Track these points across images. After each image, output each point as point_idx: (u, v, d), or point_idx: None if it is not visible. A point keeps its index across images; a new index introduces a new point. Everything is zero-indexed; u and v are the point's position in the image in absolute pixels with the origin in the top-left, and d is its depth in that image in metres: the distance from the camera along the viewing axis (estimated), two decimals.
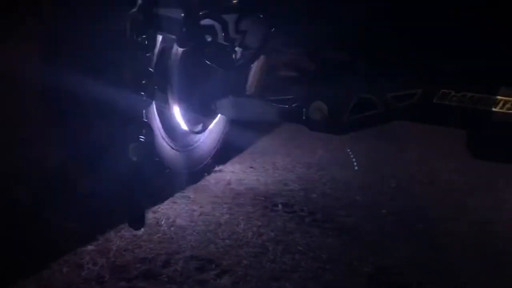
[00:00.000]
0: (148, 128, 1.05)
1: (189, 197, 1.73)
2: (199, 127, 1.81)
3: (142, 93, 0.99)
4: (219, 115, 1.81)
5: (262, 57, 1.58)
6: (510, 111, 1.19)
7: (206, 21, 1.08)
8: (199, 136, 1.83)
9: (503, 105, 1.19)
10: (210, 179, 1.91)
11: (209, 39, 1.11)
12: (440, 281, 1.32)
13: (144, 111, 1.03)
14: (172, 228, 1.50)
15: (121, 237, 1.41)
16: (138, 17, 0.91)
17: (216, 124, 1.92)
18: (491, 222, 1.72)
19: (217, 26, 1.08)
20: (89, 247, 1.34)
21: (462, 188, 2.04)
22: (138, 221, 1.10)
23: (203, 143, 1.87)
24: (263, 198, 1.78)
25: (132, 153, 0.99)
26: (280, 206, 1.72)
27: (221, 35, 1.09)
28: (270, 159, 2.21)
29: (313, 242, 1.48)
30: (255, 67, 1.60)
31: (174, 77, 1.62)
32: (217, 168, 2.00)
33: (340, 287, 1.27)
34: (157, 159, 1.61)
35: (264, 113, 1.49)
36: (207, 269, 1.30)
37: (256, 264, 1.34)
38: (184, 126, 1.74)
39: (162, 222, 1.53)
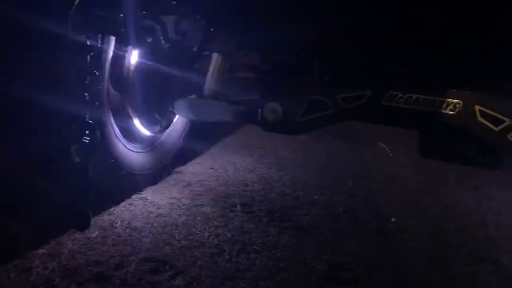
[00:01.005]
0: (92, 129, 1.03)
1: (147, 199, 1.71)
2: (157, 128, 1.79)
3: (85, 93, 0.98)
4: (177, 115, 1.80)
5: (219, 58, 1.59)
6: (452, 113, 1.24)
7: (147, 22, 1.08)
8: (157, 137, 1.82)
9: (447, 106, 1.24)
10: (169, 180, 1.90)
11: (150, 39, 1.11)
12: (389, 276, 1.36)
13: (88, 112, 1.01)
14: (127, 230, 1.48)
15: (74, 240, 1.38)
16: (75, 17, 0.90)
17: (176, 124, 1.91)
18: (441, 219, 1.79)
19: (157, 26, 1.08)
20: (40, 251, 1.31)
21: (416, 186, 2.11)
22: (82, 223, 1.08)
23: (161, 144, 1.86)
24: (223, 199, 1.78)
25: (74, 154, 0.97)
26: (239, 206, 1.73)
27: (164, 35, 1.09)
28: (232, 160, 2.22)
29: (269, 241, 1.50)
30: (212, 67, 1.60)
31: (129, 78, 1.60)
32: (177, 169, 1.99)
33: (293, 285, 1.29)
34: (113, 160, 1.59)
35: (220, 113, 1.49)
36: (161, 271, 1.29)
37: (211, 264, 1.34)
38: (141, 127, 1.72)
39: (117, 224, 1.50)
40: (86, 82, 0.98)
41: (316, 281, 1.31)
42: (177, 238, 1.46)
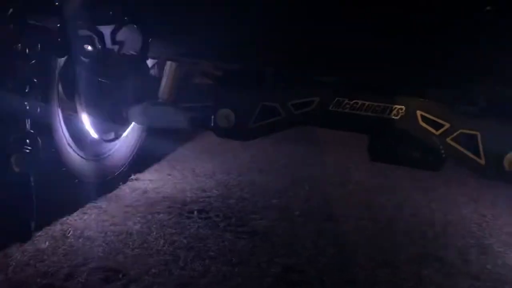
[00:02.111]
0: (33, 138, 1.01)
1: (101, 207, 1.69)
2: (111, 135, 1.78)
3: (25, 102, 0.96)
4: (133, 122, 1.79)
5: (173, 65, 1.60)
6: (396, 117, 1.30)
7: (84, 32, 1.08)
8: (112, 144, 1.80)
9: (390, 112, 1.30)
10: (125, 188, 1.88)
11: (87, 49, 1.11)
12: (340, 276, 1.40)
13: (28, 121, 0.99)
14: (79, 240, 1.46)
15: (23, 251, 1.34)
16: (8, 27, 0.89)
17: (131, 131, 1.90)
18: (392, 220, 1.86)
19: (94, 36, 1.09)
20: None
21: (370, 188, 2.18)
22: (23, 234, 1.06)
23: (117, 151, 1.84)
24: (179, 206, 1.78)
25: (15, 164, 0.95)
26: (195, 212, 1.73)
27: (100, 44, 1.09)
28: (190, 166, 2.22)
29: (225, 247, 1.51)
30: (166, 74, 1.61)
31: (81, 85, 1.58)
32: (133, 177, 1.97)
33: None
34: (65, 169, 1.56)
35: (174, 120, 1.50)
36: (113, 280, 1.28)
37: (165, 272, 1.34)
38: (94, 134, 1.70)
39: (69, 234, 1.48)
40: (26, 90, 0.96)
41: (269, 284, 1.33)
42: (131, 246, 1.45)
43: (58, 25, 0.96)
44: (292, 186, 2.12)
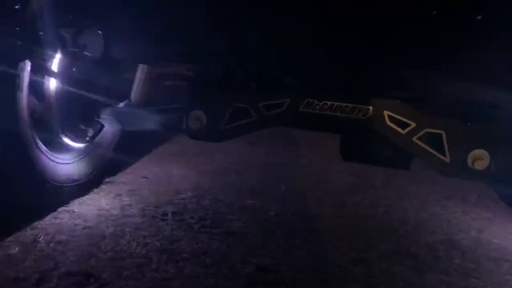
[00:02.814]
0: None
1: (73, 211, 1.67)
2: (84, 139, 1.76)
3: None
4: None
5: (145, 68, 1.59)
6: (364, 117, 1.33)
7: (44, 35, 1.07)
8: (84, 147, 1.78)
9: (358, 112, 1.32)
10: (99, 191, 1.86)
11: (49, 52, 1.10)
12: (313, 275, 1.41)
13: None
14: (50, 244, 1.44)
15: None
16: None
17: (105, 134, 1.88)
18: (365, 218, 1.89)
19: (55, 40, 1.08)
20: None
21: (345, 188, 2.22)
22: None
23: (90, 154, 1.82)
24: (154, 208, 1.77)
25: None
26: (170, 215, 1.73)
27: (62, 48, 1.09)
28: (165, 168, 2.22)
29: (199, 248, 1.51)
30: (138, 76, 1.60)
31: (52, 88, 1.56)
32: (107, 180, 1.95)
33: None
34: (36, 173, 1.54)
35: (146, 122, 1.50)
36: (85, 284, 1.26)
37: (137, 274, 1.33)
38: (66, 138, 1.68)
39: (40, 239, 1.45)
40: None
41: (243, 285, 1.33)
42: (103, 250, 1.44)
43: (19, 28, 0.95)
44: (268, 186, 2.14)
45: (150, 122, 1.49)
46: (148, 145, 2.47)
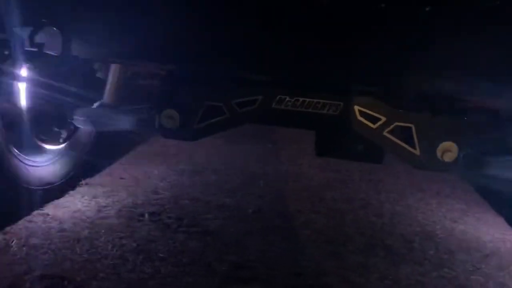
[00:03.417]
0: None
1: (48, 215, 1.65)
2: (58, 140, 1.74)
3: None
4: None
5: (118, 67, 1.58)
6: (335, 113, 1.34)
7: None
8: (58, 149, 1.76)
9: (329, 108, 1.34)
10: (75, 194, 1.84)
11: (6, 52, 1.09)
12: (288, 270, 1.43)
13: None
14: (24, 248, 1.42)
15: None
16: None
17: (80, 135, 1.86)
18: (342, 212, 1.92)
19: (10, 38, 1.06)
20: None
21: (323, 183, 2.24)
22: None
23: (64, 156, 1.80)
24: (130, 209, 1.76)
25: None
26: (147, 215, 1.72)
27: (19, 47, 1.07)
28: (143, 168, 2.20)
29: (175, 248, 1.51)
30: (111, 76, 1.59)
31: (22, 90, 1.54)
32: (83, 182, 1.93)
33: (196, 287, 1.31)
34: (8, 177, 1.52)
35: (118, 122, 1.48)
36: (59, 287, 1.25)
37: (113, 276, 1.33)
38: (39, 140, 1.65)
39: (13, 243, 1.43)
40: None
41: (219, 282, 1.34)
42: (78, 252, 1.43)
43: None
44: (246, 184, 2.14)
45: (123, 122, 1.48)
46: (127, 146, 2.45)
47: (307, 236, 1.68)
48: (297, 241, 1.63)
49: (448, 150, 1.28)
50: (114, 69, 1.57)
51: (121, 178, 2.06)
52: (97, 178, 2.02)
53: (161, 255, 1.46)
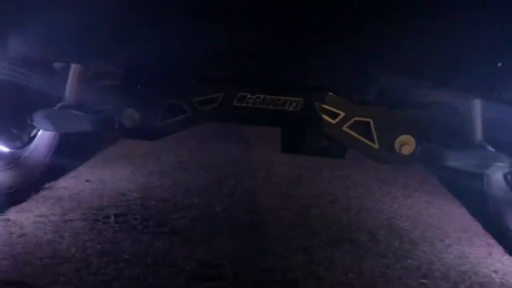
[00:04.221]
0: None
1: (9, 219, 1.61)
2: (18, 144, 1.70)
3: None
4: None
5: (78, 67, 1.55)
6: (296, 109, 1.35)
7: None
8: (19, 153, 1.72)
9: (290, 104, 1.35)
10: (38, 198, 1.80)
11: None
12: (256, 266, 1.43)
13: None
14: None
15: None
16: None
17: (42, 138, 1.82)
18: (311, 207, 1.93)
19: None
20: None
21: (292, 180, 2.25)
22: None
23: (25, 160, 1.76)
24: (95, 212, 1.74)
25: None
26: (112, 217, 1.70)
27: None
28: (110, 170, 2.17)
29: (141, 249, 1.50)
30: (71, 77, 1.56)
31: None
32: (47, 185, 1.89)
33: (160, 287, 1.30)
34: None
35: (78, 124, 1.46)
36: None
37: (75, 279, 1.31)
38: None
39: None
40: None
41: (184, 281, 1.34)
42: (40, 257, 1.40)
43: None
44: (216, 183, 2.14)
45: (84, 123, 1.46)
46: (94, 147, 2.41)
47: (275, 232, 1.69)
48: (266, 238, 1.63)
49: (406, 143, 1.31)
50: (74, 69, 1.55)
51: (87, 181, 2.03)
52: (62, 181, 1.98)
53: (125, 256, 1.44)
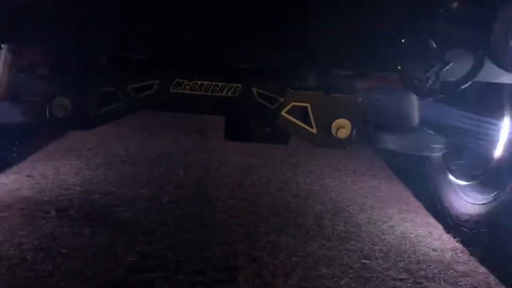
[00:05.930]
0: None
1: None
2: None
3: None
4: None
5: (8, 56, 1.48)
6: (234, 95, 1.34)
7: None
8: None
9: (228, 90, 1.34)
10: None
11: None
12: (199, 255, 1.42)
13: None
14: None
15: None
16: None
17: None
18: (260, 195, 1.94)
19: None
20: None
21: (244, 169, 2.25)
22: None
23: None
24: (35, 207, 1.67)
25: None
26: (53, 212, 1.64)
27: None
28: (54, 165, 2.10)
29: (81, 243, 1.46)
30: (1, 66, 1.48)
31: None
32: None
33: (98, 280, 1.27)
34: None
35: (8, 115, 1.39)
36: None
37: (7, 276, 1.25)
38: None
39: None
40: None
41: (123, 273, 1.31)
42: None
43: None
44: (165, 174, 2.11)
45: (15, 114, 1.39)
46: (37, 141, 2.32)
47: (222, 221, 1.68)
48: (211, 227, 1.63)
49: (342, 127, 1.33)
50: (3, 58, 1.47)
51: (28, 176, 1.95)
52: (1, 177, 1.90)
53: (64, 251, 1.40)
